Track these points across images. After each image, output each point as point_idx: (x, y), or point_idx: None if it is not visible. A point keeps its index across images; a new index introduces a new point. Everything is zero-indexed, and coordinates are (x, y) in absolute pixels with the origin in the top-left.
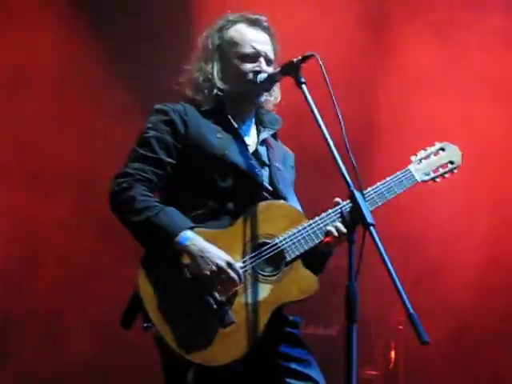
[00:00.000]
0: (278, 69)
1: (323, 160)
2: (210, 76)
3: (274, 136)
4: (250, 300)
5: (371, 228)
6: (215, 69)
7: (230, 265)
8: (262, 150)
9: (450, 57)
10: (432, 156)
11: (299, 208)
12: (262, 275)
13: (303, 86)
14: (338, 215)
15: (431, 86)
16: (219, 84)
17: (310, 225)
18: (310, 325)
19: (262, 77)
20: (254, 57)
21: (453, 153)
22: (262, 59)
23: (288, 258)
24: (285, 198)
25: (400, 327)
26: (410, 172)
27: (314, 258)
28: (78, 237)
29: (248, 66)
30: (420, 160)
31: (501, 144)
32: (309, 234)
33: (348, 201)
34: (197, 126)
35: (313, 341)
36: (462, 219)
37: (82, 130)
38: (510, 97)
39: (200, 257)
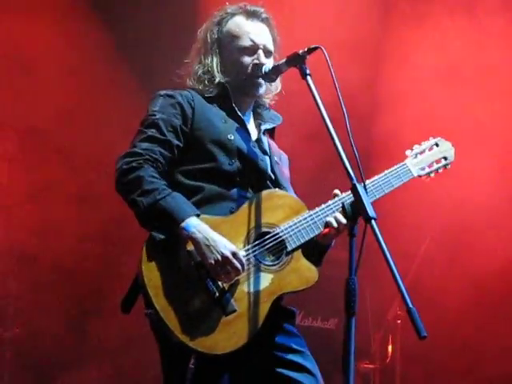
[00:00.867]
0: (283, 60)
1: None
2: (209, 69)
3: (272, 135)
4: (251, 289)
5: (372, 222)
6: (215, 62)
7: (234, 254)
8: (264, 139)
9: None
10: (427, 151)
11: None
12: (264, 264)
13: (308, 77)
14: (338, 207)
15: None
16: (219, 77)
17: (311, 215)
18: (307, 317)
19: (267, 67)
20: (253, 49)
21: (446, 148)
22: (260, 51)
23: (289, 248)
24: (285, 188)
25: (398, 321)
26: (407, 166)
27: (313, 250)
28: None
29: (247, 59)
30: (415, 155)
31: None
32: (309, 225)
33: (348, 193)
34: (203, 111)
35: (310, 333)
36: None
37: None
38: None
39: (205, 245)
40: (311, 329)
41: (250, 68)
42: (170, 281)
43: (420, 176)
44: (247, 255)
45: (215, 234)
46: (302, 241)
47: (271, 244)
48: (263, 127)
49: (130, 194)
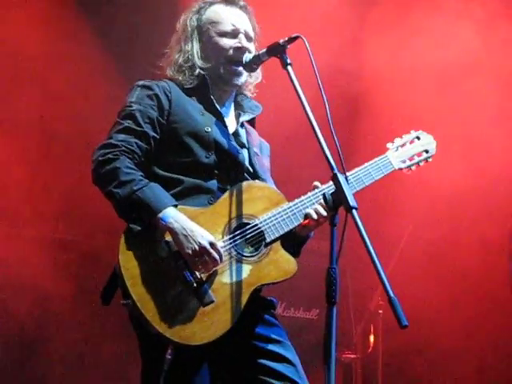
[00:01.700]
0: (264, 49)
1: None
2: (190, 56)
3: (253, 124)
4: (229, 280)
5: (353, 211)
6: (195, 48)
7: (212, 244)
8: (242, 132)
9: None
10: (408, 144)
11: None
12: (242, 255)
13: (289, 67)
14: (318, 198)
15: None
16: (200, 63)
17: (290, 207)
18: (289, 308)
19: (247, 57)
20: (234, 33)
21: (428, 141)
22: (241, 35)
23: (267, 240)
24: (264, 180)
25: (380, 311)
26: (388, 159)
27: (291, 242)
28: None
29: (228, 42)
30: (397, 148)
31: None
32: (288, 216)
33: (328, 184)
34: (180, 102)
35: (292, 324)
36: None
37: None
38: None
39: (183, 235)
40: (293, 319)
41: (231, 51)
42: (147, 271)
43: (401, 169)
44: (225, 246)
45: (193, 224)
46: (281, 232)
47: (250, 235)
48: (241, 119)
49: (107, 186)
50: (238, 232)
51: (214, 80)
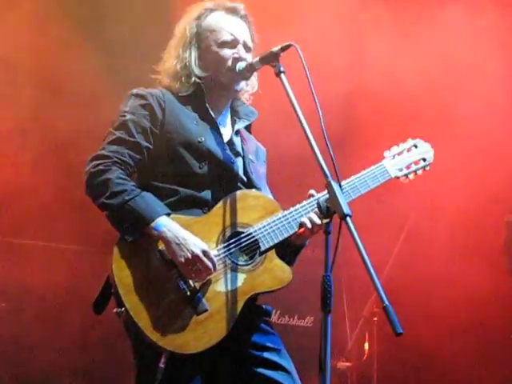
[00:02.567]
0: (258, 58)
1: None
2: (187, 63)
3: (249, 129)
4: (223, 288)
5: (347, 219)
6: (193, 56)
7: (204, 252)
8: (237, 140)
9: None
10: (405, 152)
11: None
12: (237, 264)
13: (282, 75)
14: (313, 207)
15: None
16: (197, 71)
17: (285, 216)
18: (284, 316)
19: (241, 65)
20: (233, 43)
21: (425, 150)
22: (240, 46)
23: (262, 248)
24: (259, 189)
25: (374, 319)
26: (384, 167)
27: (287, 250)
28: None
29: (227, 52)
30: (393, 156)
31: None
32: (283, 225)
33: (323, 193)
34: (174, 112)
35: (287, 332)
36: None
37: None
38: None
39: (175, 243)
40: (288, 327)
41: (230, 61)
42: (141, 280)
43: (398, 177)
44: (219, 254)
45: (186, 233)
46: (276, 241)
47: (244, 244)
48: (236, 127)
49: (99, 198)
50: (232, 241)
51: (211, 88)
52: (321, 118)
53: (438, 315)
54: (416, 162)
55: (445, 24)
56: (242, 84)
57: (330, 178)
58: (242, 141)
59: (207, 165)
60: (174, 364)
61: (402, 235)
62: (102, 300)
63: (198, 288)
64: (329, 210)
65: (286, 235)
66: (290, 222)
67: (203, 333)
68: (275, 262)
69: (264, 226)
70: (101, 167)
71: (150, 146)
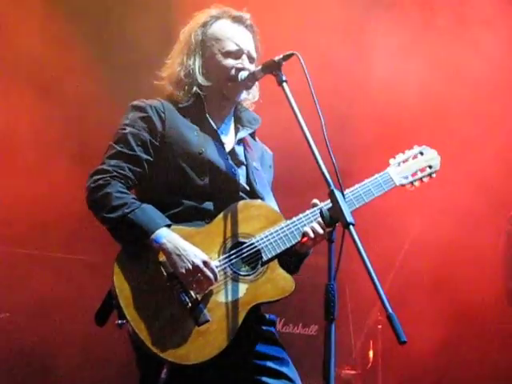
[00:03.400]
0: (260, 67)
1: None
2: (191, 71)
3: (253, 135)
4: (225, 299)
5: (351, 227)
6: (197, 64)
7: (205, 263)
8: (239, 149)
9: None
10: (410, 159)
11: (276, 208)
12: (239, 274)
13: (284, 84)
14: (316, 216)
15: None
16: (200, 80)
17: (288, 225)
18: (288, 324)
19: (243, 75)
20: (238, 54)
21: (431, 157)
22: (244, 56)
23: (264, 258)
24: (262, 198)
25: (379, 327)
26: (389, 175)
27: (290, 259)
28: None
29: (231, 62)
30: (398, 163)
31: None
32: (286, 235)
33: (326, 202)
34: (174, 123)
35: (291, 340)
36: None
37: None
38: None
39: (176, 255)
40: (292, 335)
41: (233, 71)
42: (142, 292)
43: (403, 185)
44: (221, 265)
45: (186, 244)
46: (278, 251)
47: (246, 254)
48: (239, 135)
49: (100, 212)
50: (233, 251)
51: (213, 97)
52: (323, 127)
53: (443, 321)
54: (422, 170)
55: (449, 35)
56: (244, 94)
57: (332, 187)
58: (245, 149)
59: (208, 176)
60: (175, 375)
61: (406, 244)
62: (104, 312)
63: (199, 299)
64: (332, 218)
65: (288, 245)
66: (292, 232)
67: (204, 344)
68: (277, 272)
69: (266, 236)
70: (100, 182)
71: (151, 159)
